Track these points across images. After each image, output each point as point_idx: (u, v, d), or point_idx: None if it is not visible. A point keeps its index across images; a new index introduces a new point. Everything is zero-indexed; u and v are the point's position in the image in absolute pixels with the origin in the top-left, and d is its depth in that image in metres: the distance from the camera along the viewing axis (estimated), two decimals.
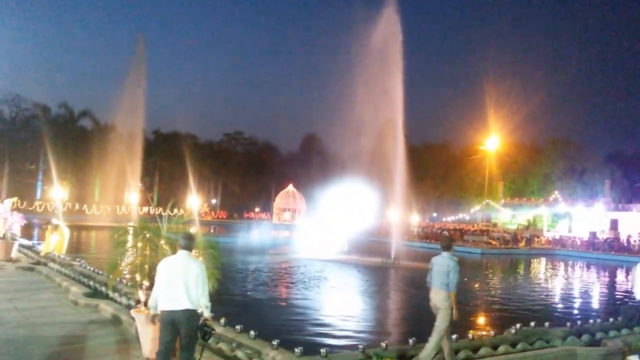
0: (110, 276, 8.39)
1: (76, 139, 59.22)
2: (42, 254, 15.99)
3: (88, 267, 13.22)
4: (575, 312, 14.63)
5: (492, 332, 8.62)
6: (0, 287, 10.83)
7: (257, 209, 72.46)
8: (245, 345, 6.65)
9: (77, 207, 51.82)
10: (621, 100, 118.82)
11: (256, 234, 34.70)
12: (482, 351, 7.25)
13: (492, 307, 14.59)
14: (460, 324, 8.02)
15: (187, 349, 5.19)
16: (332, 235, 27.11)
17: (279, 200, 61.01)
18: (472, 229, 49.43)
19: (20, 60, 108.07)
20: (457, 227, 51.22)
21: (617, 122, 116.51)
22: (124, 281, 10.29)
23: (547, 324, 8.75)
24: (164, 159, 66.86)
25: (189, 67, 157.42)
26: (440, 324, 6.58)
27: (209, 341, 5.67)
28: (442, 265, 6.70)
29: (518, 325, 8.35)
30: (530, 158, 62.27)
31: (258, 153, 79.30)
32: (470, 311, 12.99)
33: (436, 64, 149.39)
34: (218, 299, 5.67)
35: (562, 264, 31.31)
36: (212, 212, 68.11)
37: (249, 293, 14.72)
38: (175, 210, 11.33)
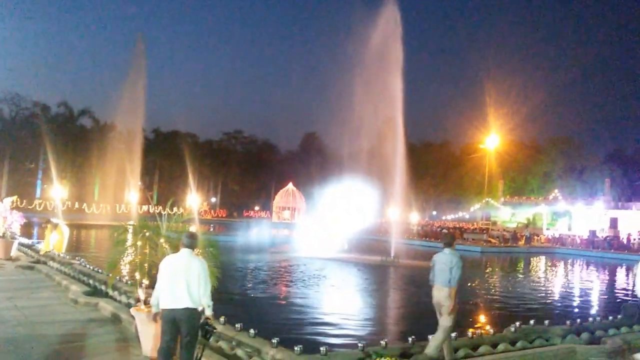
0: (110, 275, 8.41)
1: (76, 137, 59.14)
2: (41, 252, 16.02)
3: (88, 266, 13.23)
4: (575, 310, 14.66)
5: (491, 330, 8.61)
6: (0, 286, 10.84)
7: (256, 208, 72.52)
8: (245, 344, 6.65)
9: (76, 205, 51.80)
10: (621, 100, 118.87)
11: (256, 232, 34.69)
12: (481, 349, 7.25)
13: (492, 305, 14.61)
14: (460, 322, 8.02)
15: (188, 348, 5.18)
16: (331, 233, 27.13)
17: (279, 199, 60.91)
18: (471, 228, 49.34)
19: (20, 59, 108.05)
20: (457, 226, 51.06)
21: (617, 121, 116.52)
22: (124, 280, 10.30)
23: (546, 322, 8.76)
24: (164, 158, 66.81)
25: (189, 67, 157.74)
26: (447, 323, 6.59)
27: (210, 340, 5.67)
28: (444, 262, 6.70)
29: (518, 324, 8.36)
30: (530, 156, 62.15)
31: (258, 152, 79.28)
32: (470, 309, 12.98)
33: (436, 63, 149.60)
34: (218, 297, 5.66)
35: (561, 262, 31.33)
36: (212, 211, 68.13)
37: (248, 291, 14.72)
38: (175, 209, 11.35)
